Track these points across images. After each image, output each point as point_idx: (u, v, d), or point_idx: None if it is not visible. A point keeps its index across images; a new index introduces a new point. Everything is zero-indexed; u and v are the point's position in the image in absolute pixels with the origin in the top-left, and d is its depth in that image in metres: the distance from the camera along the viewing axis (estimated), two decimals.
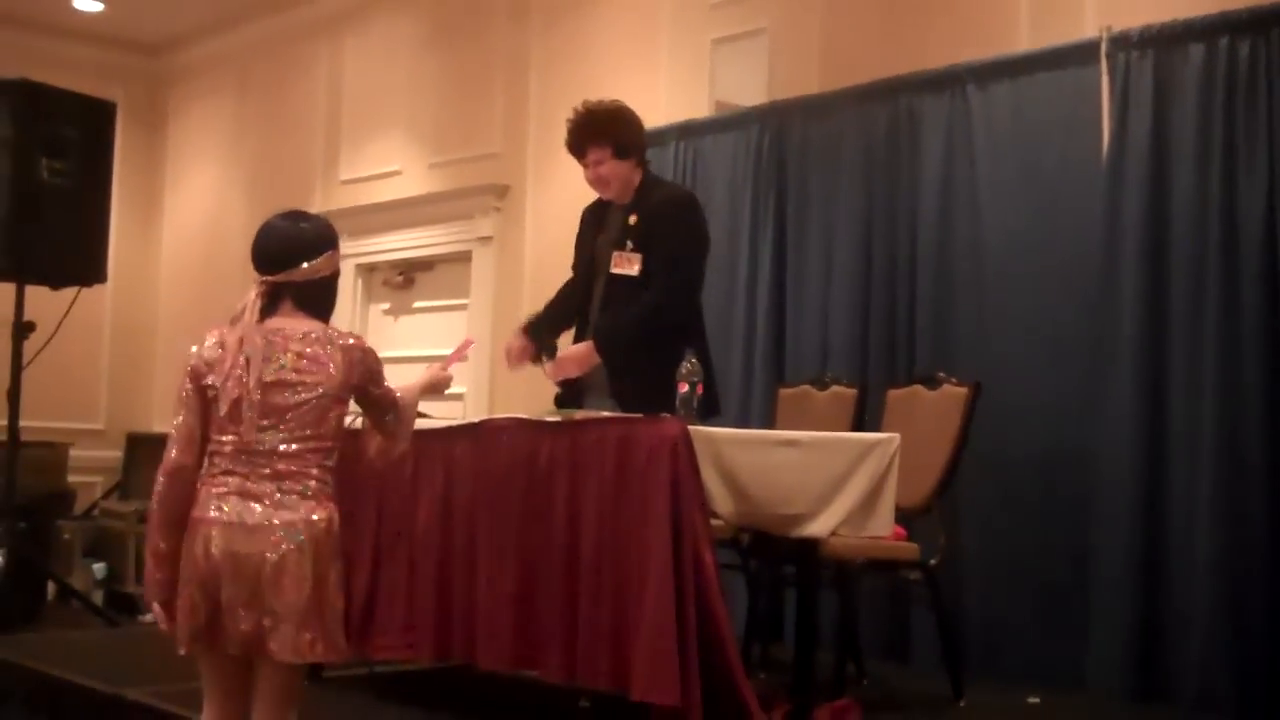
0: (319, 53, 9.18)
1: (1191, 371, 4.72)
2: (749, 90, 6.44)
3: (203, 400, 3.05)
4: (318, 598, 2.98)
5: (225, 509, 2.99)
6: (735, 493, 3.84)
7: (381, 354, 9.38)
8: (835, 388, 5.37)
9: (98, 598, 7.68)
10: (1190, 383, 4.72)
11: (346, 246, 8.64)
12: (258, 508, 2.98)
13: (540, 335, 4.70)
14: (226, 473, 3.02)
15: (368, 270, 8.72)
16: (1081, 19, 5.27)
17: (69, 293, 6.19)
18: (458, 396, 7.81)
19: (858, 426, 5.06)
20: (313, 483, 3.03)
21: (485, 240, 7.80)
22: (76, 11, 9.49)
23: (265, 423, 3.01)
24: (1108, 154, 5.01)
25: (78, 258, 6.14)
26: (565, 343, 4.81)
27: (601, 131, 4.54)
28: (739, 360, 6.05)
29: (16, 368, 6.04)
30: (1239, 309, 4.63)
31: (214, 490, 3.01)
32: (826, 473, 4.00)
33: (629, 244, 4.51)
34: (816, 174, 5.98)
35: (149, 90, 10.37)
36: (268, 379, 3.02)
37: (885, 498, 4.10)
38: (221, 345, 3.06)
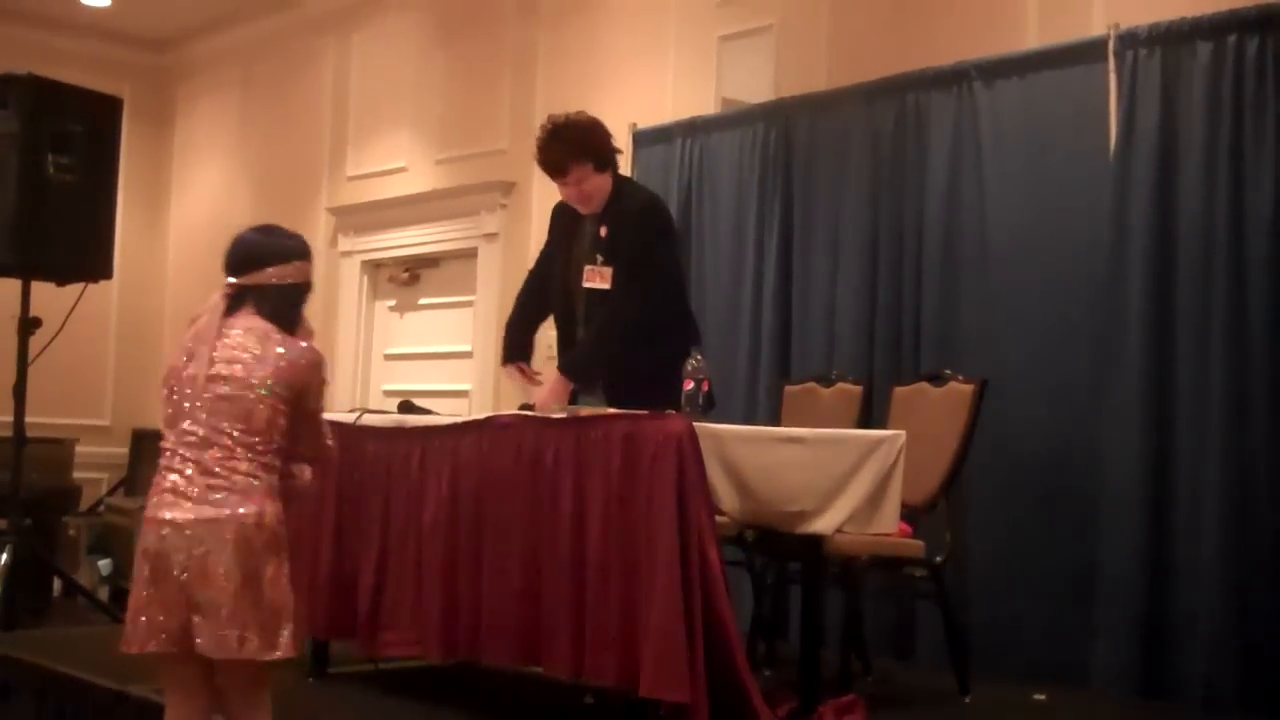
0: (325, 49, 9.18)
1: (1199, 368, 4.71)
2: (756, 87, 6.43)
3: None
4: (247, 594, 2.99)
5: (163, 506, 3.04)
6: (741, 489, 3.84)
7: (387, 350, 9.35)
8: (841, 384, 5.37)
9: (103, 594, 7.69)
10: (1197, 379, 4.72)
11: (352, 243, 8.76)
12: (187, 504, 3.02)
13: (516, 356, 4.79)
14: (166, 469, 3.08)
15: (373, 267, 8.73)
16: (1089, 16, 5.26)
17: (75, 289, 6.19)
18: (463, 393, 7.81)
19: (863, 423, 5.06)
20: (240, 478, 3.04)
21: (491, 237, 7.80)
22: (83, 7, 9.50)
23: (200, 417, 3.07)
24: (1115, 151, 5.00)
25: (84, 254, 6.14)
26: (541, 338, 4.88)
27: (582, 149, 4.48)
28: (745, 357, 6.05)
29: (22, 364, 6.04)
30: (1246, 306, 4.62)
31: (158, 488, 3.07)
32: (832, 470, 4.00)
33: (599, 258, 4.53)
34: (823, 171, 5.98)
35: (155, 86, 10.37)
36: (208, 374, 3.08)
37: (891, 495, 4.09)
38: (179, 344, 3.17)
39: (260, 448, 3.08)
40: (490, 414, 4.33)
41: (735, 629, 3.63)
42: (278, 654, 3.05)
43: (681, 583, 3.50)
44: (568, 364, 4.49)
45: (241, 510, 3.01)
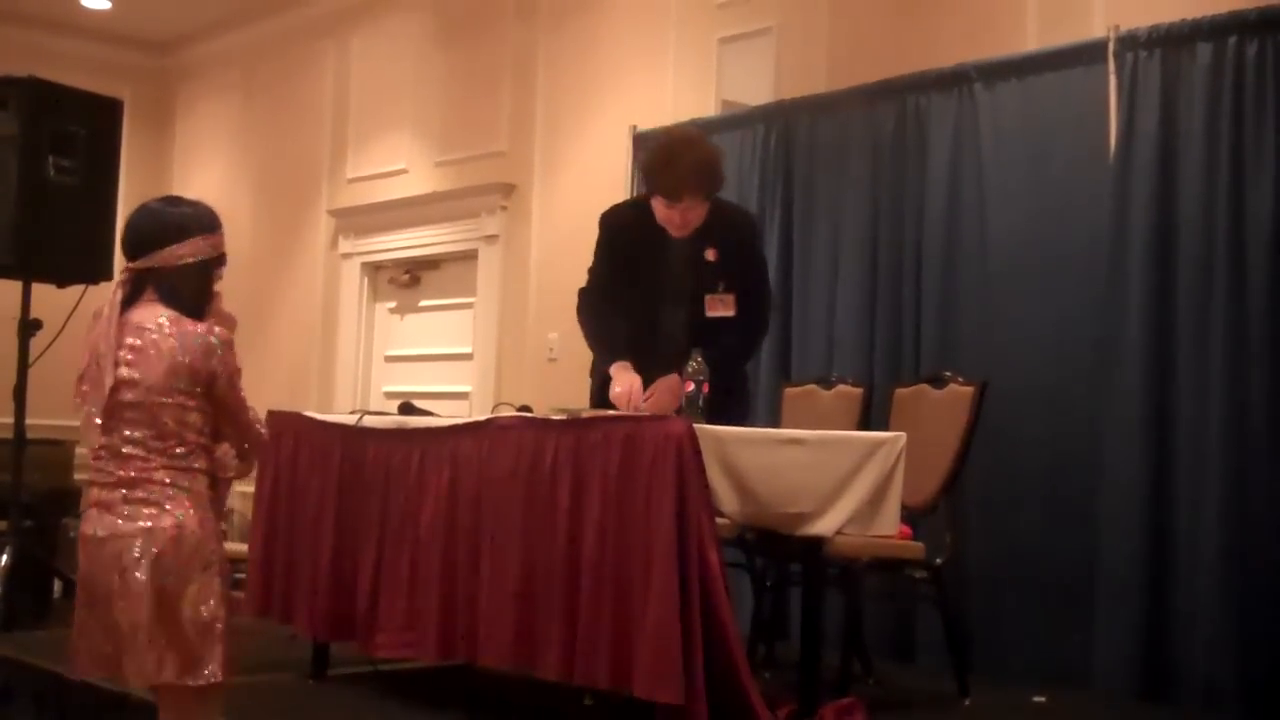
0: (326, 51, 9.19)
1: (1198, 370, 4.72)
2: (756, 89, 6.43)
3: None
4: (165, 614, 2.79)
5: (88, 522, 2.88)
6: (741, 491, 3.84)
7: (387, 352, 9.36)
8: (841, 386, 5.37)
9: None
10: (1197, 381, 4.72)
11: (353, 245, 8.76)
12: (108, 518, 2.84)
13: (627, 353, 4.39)
14: (90, 482, 2.91)
15: (374, 269, 8.73)
16: (1089, 18, 5.26)
17: (75, 290, 6.18)
18: (463, 395, 7.82)
19: (864, 425, 5.05)
20: (157, 487, 2.85)
21: (491, 239, 7.80)
22: (84, 9, 9.51)
23: (110, 426, 2.86)
24: (1115, 153, 5.00)
25: (84, 256, 6.13)
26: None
27: (710, 185, 4.29)
28: None
29: (23, 365, 6.04)
30: (1246, 309, 4.62)
31: (85, 502, 2.92)
32: (832, 471, 4.00)
33: (720, 285, 4.38)
34: (823, 173, 5.98)
35: (156, 88, 10.38)
36: (113, 379, 2.86)
37: (891, 497, 4.09)
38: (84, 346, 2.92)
39: (175, 452, 2.88)
40: (491, 415, 4.32)
41: (735, 631, 3.62)
42: (201, 681, 2.82)
43: (680, 584, 3.49)
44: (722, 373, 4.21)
45: (158, 523, 2.81)
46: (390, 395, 8.07)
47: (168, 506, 2.84)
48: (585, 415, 3.96)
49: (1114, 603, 4.80)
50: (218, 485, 3.00)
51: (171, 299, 2.96)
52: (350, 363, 8.68)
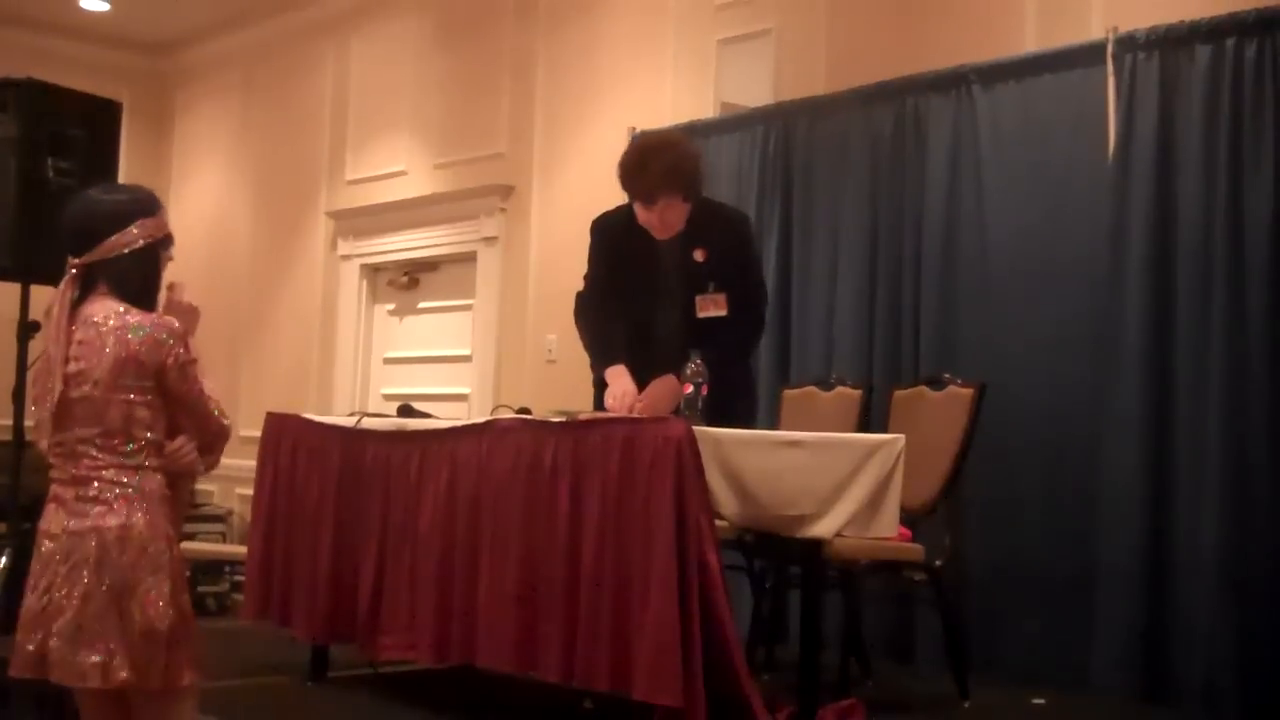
0: (325, 53, 9.19)
1: (1197, 372, 4.72)
2: (755, 91, 6.43)
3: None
4: (111, 614, 2.73)
5: (43, 519, 2.85)
6: (740, 493, 3.83)
7: (386, 354, 9.34)
8: (840, 388, 5.37)
9: None
10: (1196, 383, 4.72)
11: (352, 247, 8.75)
12: (60, 515, 2.82)
13: (621, 357, 4.42)
14: (50, 480, 2.90)
15: (373, 271, 8.72)
16: (1088, 20, 5.26)
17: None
18: (462, 397, 7.81)
19: (863, 427, 5.05)
20: (105, 485, 2.80)
21: (490, 241, 7.80)
22: (82, 11, 9.51)
23: (62, 424, 2.83)
24: (1114, 155, 5.00)
25: None
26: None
27: (683, 184, 4.32)
28: None
29: (21, 368, 6.02)
30: (1245, 310, 4.62)
31: (47, 499, 2.89)
32: (831, 474, 4.00)
33: (710, 286, 4.39)
34: (822, 175, 5.98)
35: (155, 90, 10.38)
36: (62, 375, 2.83)
37: (890, 499, 4.09)
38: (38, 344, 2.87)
39: (124, 449, 2.82)
40: (490, 417, 4.32)
41: (734, 633, 3.62)
42: (150, 685, 2.76)
43: (679, 587, 3.49)
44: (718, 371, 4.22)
45: (103, 522, 2.77)
46: (389, 397, 8.07)
47: (115, 505, 2.79)
48: (584, 417, 3.96)
49: (1113, 604, 4.80)
50: (177, 483, 2.93)
51: (121, 289, 2.89)
52: (349, 365, 8.68)
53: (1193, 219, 4.79)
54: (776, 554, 4.52)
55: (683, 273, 4.43)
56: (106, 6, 9.48)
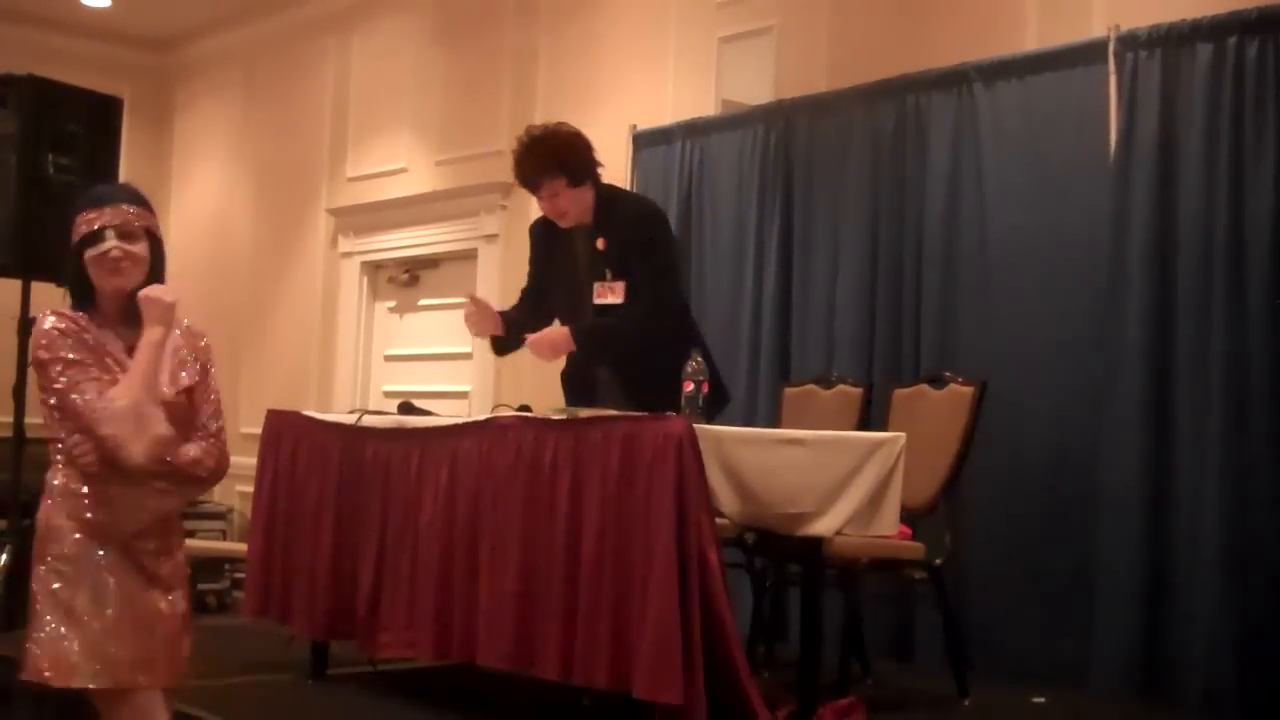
0: (326, 50, 9.18)
1: (1198, 370, 4.71)
2: (756, 88, 6.43)
3: None
4: (32, 609, 2.84)
5: None
6: (740, 491, 3.84)
7: (387, 351, 9.32)
8: (841, 386, 5.36)
9: None
10: (1197, 381, 4.71)
11: (352, 244, 8.75)
12: None
13: (509, 329, 4.69)
14: None
15: (373, 268, 8.72)
16: (1089, 18, 5.26)
17: None
18: (462, 394, 7.81)
19: (863, 425, 5.05)
20: (52, 481, 2.94)
21: (491, 238, 7.79)
22: (83, 7, 9.50)
23: None
24: (1115, 153, 5.00)
25: None
26: None
27: (554, 164, 4.44)
28: (745, 359, 6.04)
29: (22, 364, 6.03)
30: (1246, 308, 4.62)
31: None
32: (832, 472, 4.00)
33: (607, 273, 4.48)
34: (823, 173, 5.98)
35: (155, 86, 10.37)
36: None
37: (890, 497, 4.09)
38: None
39: (53, 448, 2.95)
40: (490, 415, 4.32)
41: (734, 631, 3.63)
42: (54, 684, 2.82)
43: (680, 585, 3.49)
44: (579, 330, 4.42)
45: (36, 516, 2.93)
46: (390, 395, 8.05)
47: (41, 502, 2.94)
48: (584, 415, 3.96)
49: (1113, 603, 4.80)
50: (106, 480, 2.90)
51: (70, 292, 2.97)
52: (349, 362, 8.67)
53: (1194, 217, 4.78)
54: (777, 552, 4.52)
55: (589, 262, 4.54)
56: (107, 3, 9.47)
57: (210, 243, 9.77)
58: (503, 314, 4.75)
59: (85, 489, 2.88)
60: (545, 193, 4.49)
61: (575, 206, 4.50)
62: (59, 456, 2.90)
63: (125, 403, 2.82)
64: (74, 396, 2.83)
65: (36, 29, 9.35)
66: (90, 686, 2.84)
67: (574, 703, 4.07)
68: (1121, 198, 4.95)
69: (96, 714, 2.98)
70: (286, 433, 4.95)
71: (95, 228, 2.90)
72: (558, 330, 4.51)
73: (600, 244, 4.51)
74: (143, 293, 2.92)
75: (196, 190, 10.19)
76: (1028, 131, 5.27)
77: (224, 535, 8.71)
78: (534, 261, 4.82)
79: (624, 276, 4.46)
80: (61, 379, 2.83)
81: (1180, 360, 4.78)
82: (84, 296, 2.93)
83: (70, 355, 2.84)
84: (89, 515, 2.88)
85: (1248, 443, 4.57)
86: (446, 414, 4.74)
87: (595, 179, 4.54)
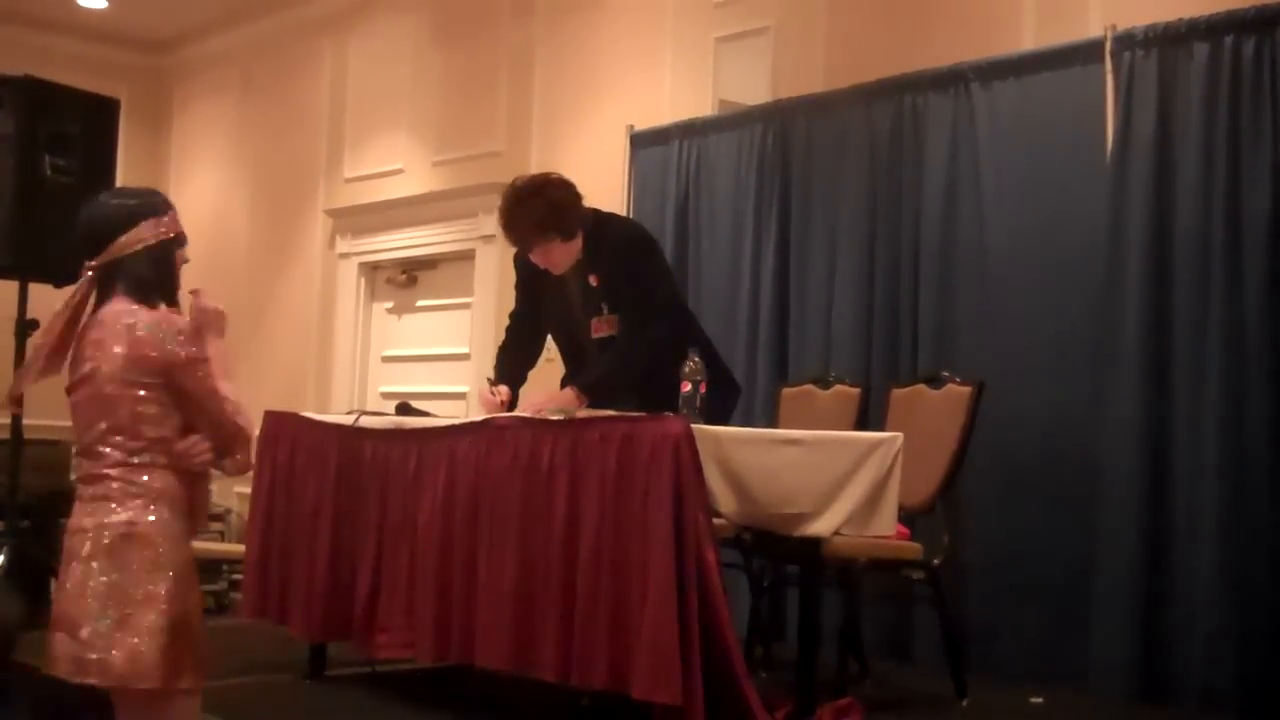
0: (323, 50, 9.18)
1: (1196, 370, 4.71)
2: (753, 89, 6.43)
3: None
4: (110, 612, 2.72)
5: (70, 520, 2.84)
6: (738, 491, 3.84)
7: (384, 352, 9.29)
8: (838, 387, 5.36)
9: None
10: (1194, 381, 4.72)
11: (350, 245, 8.75)
12: (78, 513, 2.82)
13: (509, 382, 4.67)
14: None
15: (371, 269, 8.72)
16: (1086, 18, 5.26)
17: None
18: (460, 395, 7.81)
19: (861, 425, 5.05)
20: (115, 483, 2.79)
21: (489, 239, 7.78)
22: (80, 8, 9.50)
23: (79, 421, 2.85)
24: (1112, 153, 5.00)
25: (81, 255, 6.13)
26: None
27: (546, 227, 4.39)
28: (742, 359, 6.04)
29: (20, 365, 6.02)
30: (1243, 308, 4.62)
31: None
32: (829, 472, 4.00)
33: (603, 308, 4.49)
34: (820, 173, 5.98)
35: (153, 87, 10.37)
36: (78, 376, 2.86)
37: (888, 497, 4.09)
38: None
39: (131, 446, 2.80)
40: (489, 415, 4.32)
41: (732, 631, 3.62)
42: (145, 684, 2.74)
43: (678, 585, 3.49)
44: (584, 388, 4.33)
45: (110, 518, 2.76)
46: (387, 395, 8.06)
47: (122, 503, 2.78)
48: (581, 415, 3.96)
49: (1111, 603, 4.80)
50: (195, 483, 2.91)
51: (136, 289, 2.88)
52: (347, 363, 8.68)
53: (1191, 216, 4.78)
54: (775, 552, 4.52)
55: (583, 299, 4.54)
56: (104, 4, 9.47)
57: (208, 244, 9.75)
58: (508, 376, 4.70)
59: (184, 490, 2.87)
60: (538, 252, 4.46)
61: (568, 257, 4.48)
62: (144, 457, 2.81)
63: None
64: (219, 395, 2.87)
65: (33, 30, 9.35)
66: (191, 687, 2.84)
67: (572, 703, 4.07)
68: (1118, 196, 4.95)
69: (101, 713, 2.96)
70: (284, 434, 4.95)
71: (181, 230, 2.95)
72: (563, 395, 4.38)
73: (593, 281, 4.49)
74: (203, 303, 2.96)
75: (194, 191, 10.18)
76: (1025, 131, 5.27)
77: (222, 536, 8.71)
78: (522, 292, 4.81)
79: (619, 308, 4.47)
80: (209, 378, 2.86)
81: (1178, 359, 4.78)
82: (169, 295, 2.92)
83: (204, 354, 2.88)
84: (187, 516, 2.88)
85: (1245, 442, 4.57)
86: (444, 415, 4.74)
87: (583, 222, 4.48)
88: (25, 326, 6.03)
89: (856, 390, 5.28)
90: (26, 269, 6.03)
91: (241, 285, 9.54)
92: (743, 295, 6.14)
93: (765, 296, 6.06)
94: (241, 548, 5.71)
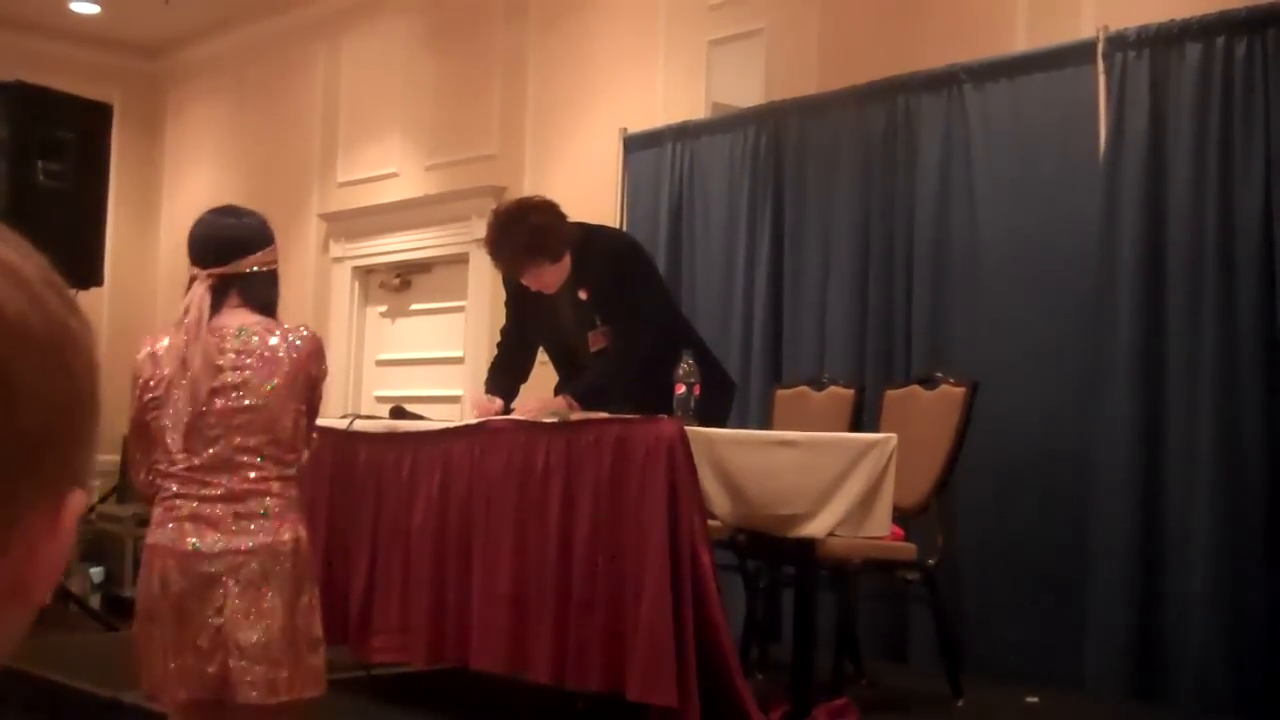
0: (316, 55, 9.18)
1: (1189, 370, 4.72)
2: (746, 91, 6.44)
3: (145, 412, 2.80)
4: (289, 630, 2.73)
5: (182, 537, 2.71)
6: (733, 493, 3.84)
7: (378, 356, 9.34)
8: (832, 388, 5.36)
9: (95, 602, 7.67)
10: (1187, 382, 4.72)
11: (344, 249, 8.76)
12: (214, 534, 2.69)
13: (501, 395, 4.65)
14: (179, 495, 2.74)
15: (365, 273, 8.72)
16: (1078, 19, 5.27)
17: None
18: (454, 399, 7.81)
19: (855, 427, 5.05)
20: (272, 500, 2.75)
21: (482, 242, 7.78)
22: (73, 13, 9.48)
23: (213, 434, 2.73)
24: (1105, 154, 5.01)
25: (74, 260, 6.11)
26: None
27: (533, 252, 4.39)
28: (736, 361, 6.04)
29: None
30: (1236, 309, 4.63)
31: (167, 515, 2.73)
32: (824, 473, 4.00)
33: (596, 320, 4.50)
34: (814, 175, 5.98)
35: (146, 92, 10.36)
36: (214, 384, 2.74)
37: (883, 498, 4.10)
38: (167, 350, 2.80)
39: (288, 460, 2.80)
40: (483, 419, 4.32)
41: (727, 633, 3.63)
42: (314, 690, 2.80)
43: (673, 587, 3.50)
44: (578, 396, 4.32)
45: (278, 537, 2.73)
46: (381, 399, 8.06)
47: (287, 519, 2.77)
48: (576, 418, 3.96)
49: (1106, 603, 4.80)
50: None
51: (256, 304, 2.89)
52: (341, 367, 8.66)
53: (1183, 216, 4.79)
54: (769, 554, 4.53)
55: (574, 313, 4.54)
56: (96, 9, 9.46)
57: None
58: (501, 391, 4.69)
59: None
60: (529, 277, 4.47)
61: (559, 277, 4.48)
62: (292, 470, 2.83)
63: None
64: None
65: (25, 35, 9.34)
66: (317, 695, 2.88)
67: (568, 706, 4.07)
68: (1111, 197, 4.96)
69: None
70: None
71: None
72: (556, 402, 4.39)
73: (584, 295, 4.50)
74: None
75: (187, 196, 10.17)
76: (1017, 132, 5.28)
77: None
78: (512, 308, 4.83)
79: (612, 319, 4.47)
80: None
81: (1171, 360, 4.78)
82: (274, 315, 2.94)
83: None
84: None
85: (1240, 442, 4.58)
86: (438, 419, 4.74)
87: (570, 240, 4.48)
88: None
89: (850, 391, 5.28)
90: None
91: None
92: (736, 297, 6.14)
93: (759, 298, 6.06)
94: None
